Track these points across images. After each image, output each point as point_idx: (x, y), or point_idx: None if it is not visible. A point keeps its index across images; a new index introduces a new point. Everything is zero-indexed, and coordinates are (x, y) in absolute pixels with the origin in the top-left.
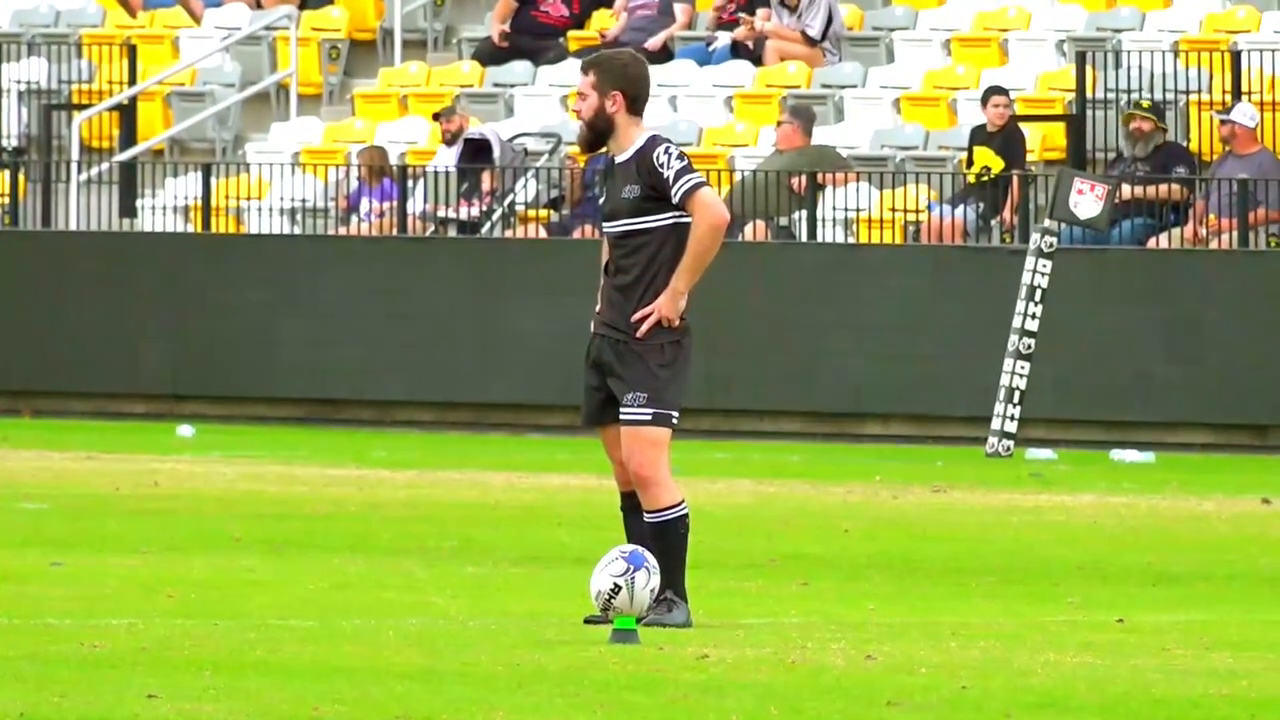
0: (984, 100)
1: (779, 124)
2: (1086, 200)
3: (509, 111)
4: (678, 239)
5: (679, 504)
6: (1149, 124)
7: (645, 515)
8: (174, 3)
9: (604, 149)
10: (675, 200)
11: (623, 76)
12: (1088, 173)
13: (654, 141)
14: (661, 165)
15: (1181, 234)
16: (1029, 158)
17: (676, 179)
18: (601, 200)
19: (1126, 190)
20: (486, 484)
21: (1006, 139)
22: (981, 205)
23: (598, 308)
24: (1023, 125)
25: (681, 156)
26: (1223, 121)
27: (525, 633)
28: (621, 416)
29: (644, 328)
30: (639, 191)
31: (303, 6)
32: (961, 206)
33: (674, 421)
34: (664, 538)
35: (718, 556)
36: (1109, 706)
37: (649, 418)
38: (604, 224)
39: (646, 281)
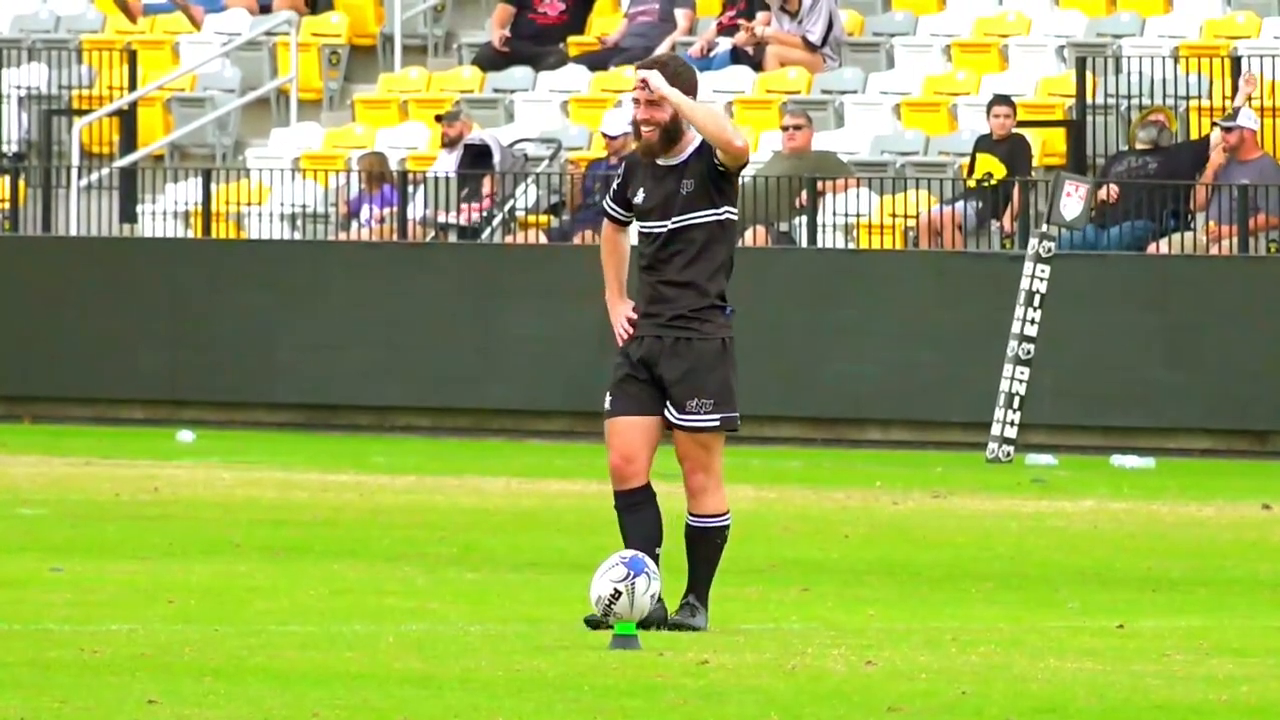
0: (988, 109)
1: (795, 127)
2: (1072, 202)
3: (509, 117)
4: (726, 236)
5: (724, 514)
6: (1165, 115)
7: (689, 518)
8: (174, 8)
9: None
10: (738, 143)
11: (689, 81)
12: (1083, 176)
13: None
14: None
15: (1182, 239)
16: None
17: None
18: (639, 199)
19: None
20: (485, 490)
21: (1012, 149)
22: (980, 204)
23: (628, 314)
24: (1023, 131)
25: None
26: (1228, 129)
27: (524, 638)
28: (684, 422)
29: (651, 72)
30: (693, 186)
31: (312, 10)
32: (960, 203)
33: (738, 425)
34: (702, 544)
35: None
36: (1109, 712)
37: (716, 424)
38: (645, 222)
39: (695, 272)
